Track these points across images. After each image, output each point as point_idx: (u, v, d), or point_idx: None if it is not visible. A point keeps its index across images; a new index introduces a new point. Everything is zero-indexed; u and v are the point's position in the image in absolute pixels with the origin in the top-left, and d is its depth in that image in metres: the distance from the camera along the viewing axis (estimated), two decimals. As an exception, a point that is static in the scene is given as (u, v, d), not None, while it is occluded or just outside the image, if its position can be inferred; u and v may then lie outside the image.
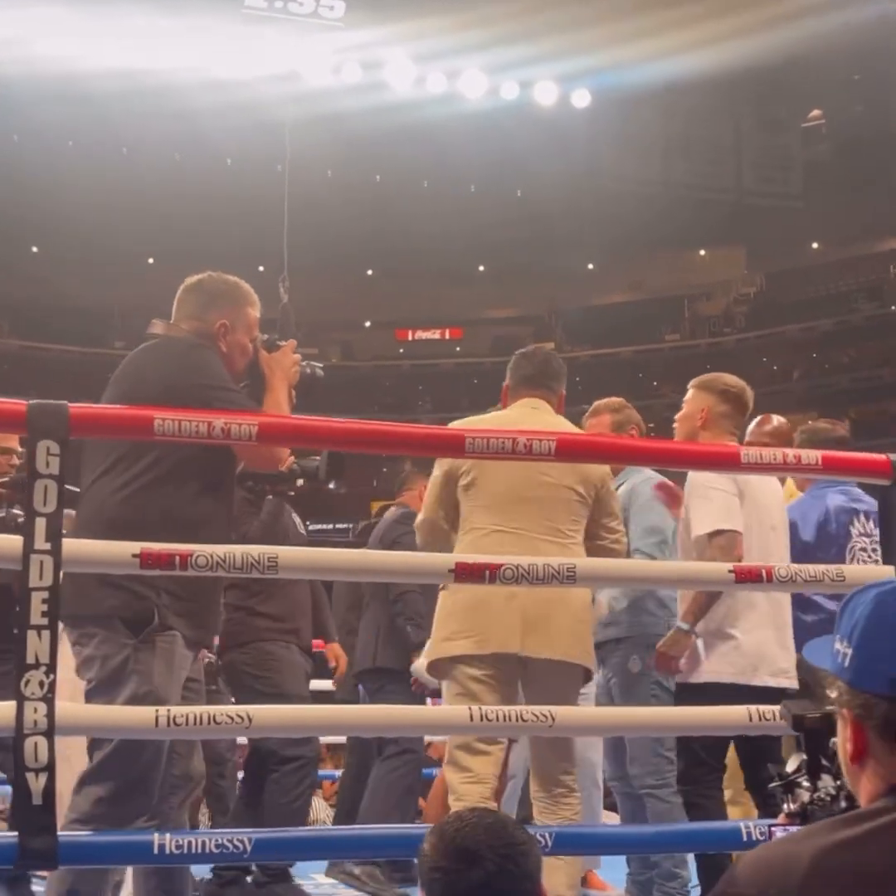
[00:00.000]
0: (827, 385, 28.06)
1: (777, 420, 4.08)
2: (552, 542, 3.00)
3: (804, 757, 1.58)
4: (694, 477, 3.33)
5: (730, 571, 2.70)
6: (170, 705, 2.47)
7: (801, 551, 3.36)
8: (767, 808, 3.14)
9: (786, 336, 29.00)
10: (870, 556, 3.38)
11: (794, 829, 1.56)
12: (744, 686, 3.12)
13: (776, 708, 2.52)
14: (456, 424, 3.04)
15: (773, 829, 1.73)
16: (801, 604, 3.41)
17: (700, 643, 3.26)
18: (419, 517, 3.23)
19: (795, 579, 2.70)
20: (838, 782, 1.50)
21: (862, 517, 3.48)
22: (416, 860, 1.69)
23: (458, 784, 2.92)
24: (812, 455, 2.73)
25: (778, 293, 30.23)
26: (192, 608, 2.60)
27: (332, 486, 3.62)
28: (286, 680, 3.95)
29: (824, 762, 1.54)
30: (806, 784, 1.56)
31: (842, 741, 1.22)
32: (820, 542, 3.40)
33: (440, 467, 3.14)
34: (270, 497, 4.00)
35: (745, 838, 2.50)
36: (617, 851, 2.86)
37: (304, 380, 2.88)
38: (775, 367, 29.45)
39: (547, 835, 2.42)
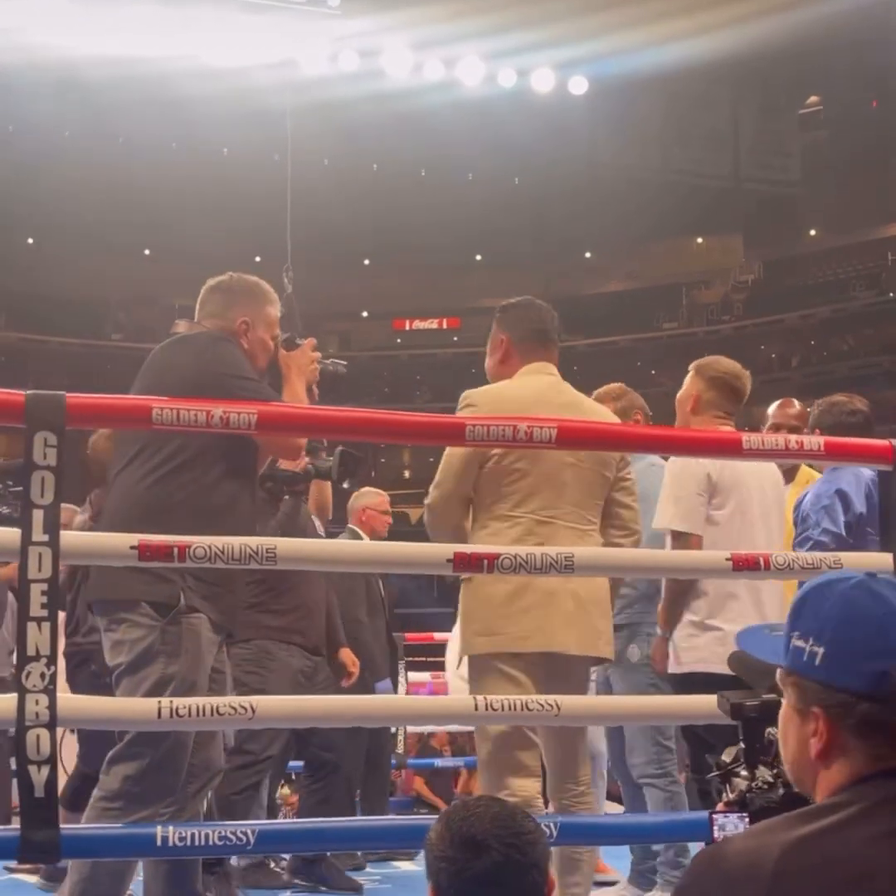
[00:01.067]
0: (825, 373, 28.03)
1: (800, 404, 4.09)
2: (582, 531, 2.86)
3: (741, 746, 1.58)
4: (670, 468, 3.34)
5: (727, 559, 2.70)
6: (198, 688, 2.52)
7: (854, 523, 3.33)
8: (703, 797, 3.21)
9: (784, 324, 28.97)
10: None
11: (732, 817, 1.58)
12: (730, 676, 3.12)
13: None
14: (475, 394, 2.90)
15: (713, 816, 1.74)
16: None
17: (686, 633, 3.27)
18: (435, 495, 2.90)
19: (793, 567, 2.69)
20: (774, 770, 1.50)
21: None
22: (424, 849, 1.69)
23: (511, 780, 2.76)
24: (814, 441, 2.73)
25: (776, 280, 30.19)
26: (217, 592, 2.63)
27: (345, 485, 3.63)
28: (271, 681, 4.00)
29: (760, 751, 1.55)
30: (744, 773, 1.56)
31: (801, 736, 1.20)
32: (870, 513, 3.32)
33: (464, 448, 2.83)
34: (287, 497, 4.06)
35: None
36: (622, 841, 2.86)
37: (327, 376, 2.95)
38: (773, 355, 29.43)
39: (552, 825, 2.41)
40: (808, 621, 1.21)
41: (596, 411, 3.04)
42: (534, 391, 2.93)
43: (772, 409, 4.08)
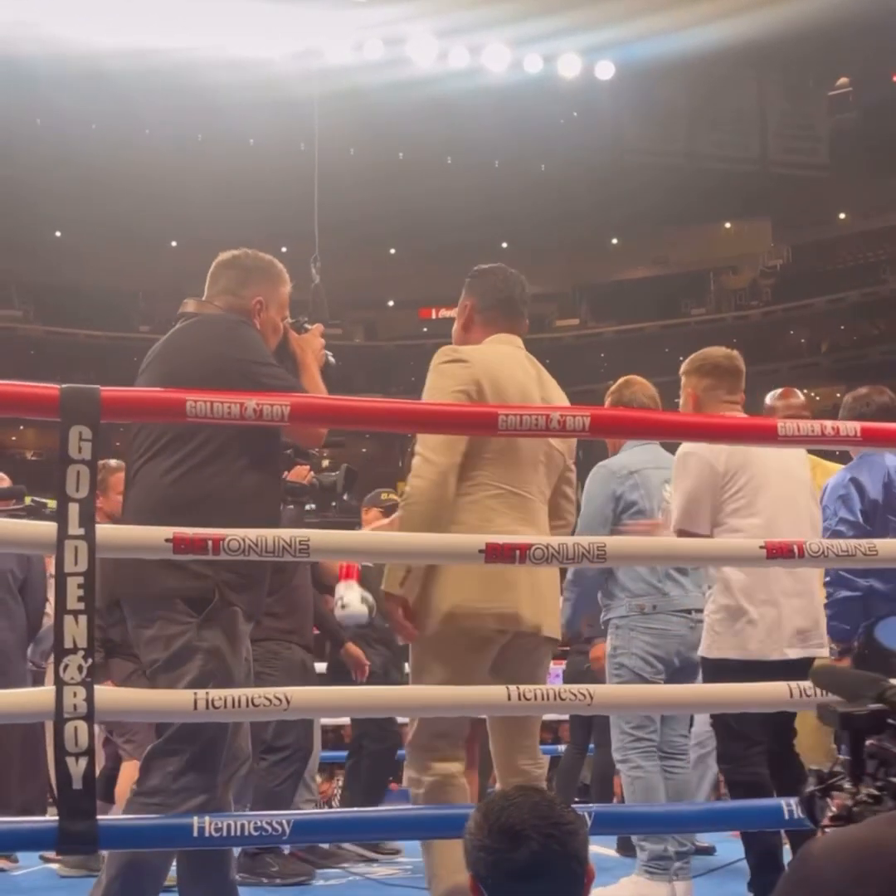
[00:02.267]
0: (855, 358, 27.79)
1: (801, 395, 4.07)
2: (543, 507, 2.85)
3: (845, 757, 1.54)
4: (675, 463, 3.33)
5: (761, 547, 2.68)
6: (235, 682, 2.52)
7: (871, 510, 3.33)
8: (731, 788, 3.21)
9: (813, 309, 28.73)
10: None
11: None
12: (760, 662, 3.10)
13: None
14: (465, 351, 2.81)
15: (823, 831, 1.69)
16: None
17: (720, 618, 3.25)
18: (429, 469, 2.71)
19: (827, 554, 2.67)
20: (879, 783, 1.46)
21: None
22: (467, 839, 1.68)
23: (432, 763, 2.73)
24: (851, 427, 2.70)
25: (805, 265, 29.93)
26: (248, 583, 2.61)
27: (345, 497, 3.77)
28: (282, 680, 4.06)
29: (863, 763, 1.52)
30: (847, 787, 1.52)
31: None
32: (888, 500, 3.35)
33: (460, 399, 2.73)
34: (290, 507, 4.12)
35: (786, 816, 2.48)
36: (657, 830, 2.85)
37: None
38: (803, 341, 29.19)
39: (587, 814, 2.41)
40: None
41: (556, 389, 2.94)
42: (513, 360, 2.86)
43: (774, 400, 4.02)
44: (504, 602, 2.72)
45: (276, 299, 2.83)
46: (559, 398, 2.92)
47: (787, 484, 3.29)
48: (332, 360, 2.95)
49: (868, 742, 1.44)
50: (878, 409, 3.56)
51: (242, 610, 2.60)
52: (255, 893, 3.89)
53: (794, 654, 3.17)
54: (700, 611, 3.48)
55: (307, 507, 4.04)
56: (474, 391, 2.74)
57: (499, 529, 2.71)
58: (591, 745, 5.26)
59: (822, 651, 3.23)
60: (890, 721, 1.41)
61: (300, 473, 4.06)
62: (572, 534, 3.00)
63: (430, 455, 2.71)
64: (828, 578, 3.38)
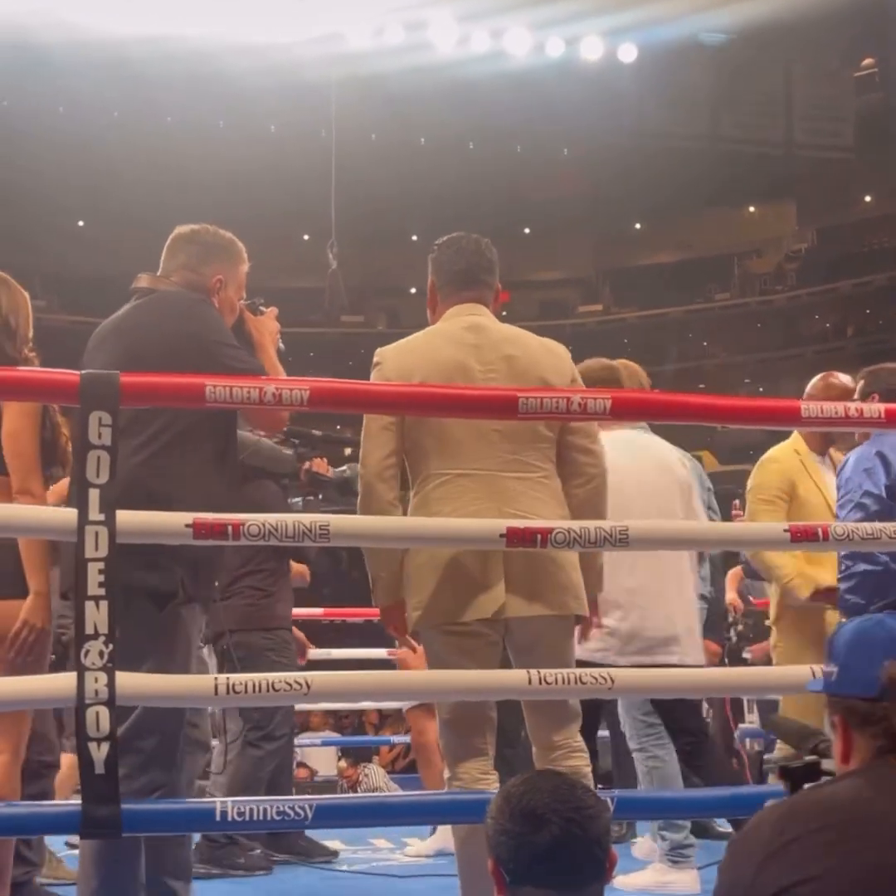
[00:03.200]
0: (882, 342, 27.50)
1: (843, 378, 3.96)
2: (520, 479, 2.66)
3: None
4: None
5: (785, 531, 2.67)
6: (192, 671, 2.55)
7: (893, 484, 3.31)
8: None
9: (839, 292, 28.48)
10: None
11: None
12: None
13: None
14: (383, 351, 2.77)
15: None
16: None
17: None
18: (367, 469, 2.69)
19: (852, 537, 2.66)
20: None
21: None
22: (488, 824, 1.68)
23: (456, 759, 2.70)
24: (875, 408, 2.68)
25: (830, 249, 29.65)
26: (205, 573, 2.64)
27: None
28: (295, 665, 4.16)
29: None
30: None
31: (836, 749, 1.53)
32: None
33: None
34: (308, 497, 4.17)
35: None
36: (680, 815, 2.84)
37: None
38: (828, 325, 28.96)
39: (609, 799, 2.40)
40: (833, 652, 1.56)
41: (547, 348, 2.79)
42: (444, 338, 2.77)
43: (812, 388, 3.95)
44: (479, 592, 2.64)
45: (235, 278, 2.81)
46: (544, 356, 2.77)
47: (652, 499, 3.43)
48: (282, 346, 2.95)
49: (805, 786, 1.66)
50: None
51: (201, 598, 2.63)
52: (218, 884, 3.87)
53: (624, 662, 3.27)
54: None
55: (319, 496, 4.09)
56: None
57: (452, 515, 2.63)
58: (607, 733, 5.10)
59: (667, 659, 3.33)
60: (823, 769, 1.68)
61: (322, 466, 4.12)
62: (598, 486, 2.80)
63: (363, 455, 2.69)
64: (843, 552, 3.34)
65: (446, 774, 2.71)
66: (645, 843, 3.92)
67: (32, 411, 2.68)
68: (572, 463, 2.75)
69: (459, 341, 2.76)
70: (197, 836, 3.79)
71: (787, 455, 3.83)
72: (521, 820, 1.61)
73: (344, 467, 4.10)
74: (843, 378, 3.95)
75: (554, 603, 2.67)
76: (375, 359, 2.80)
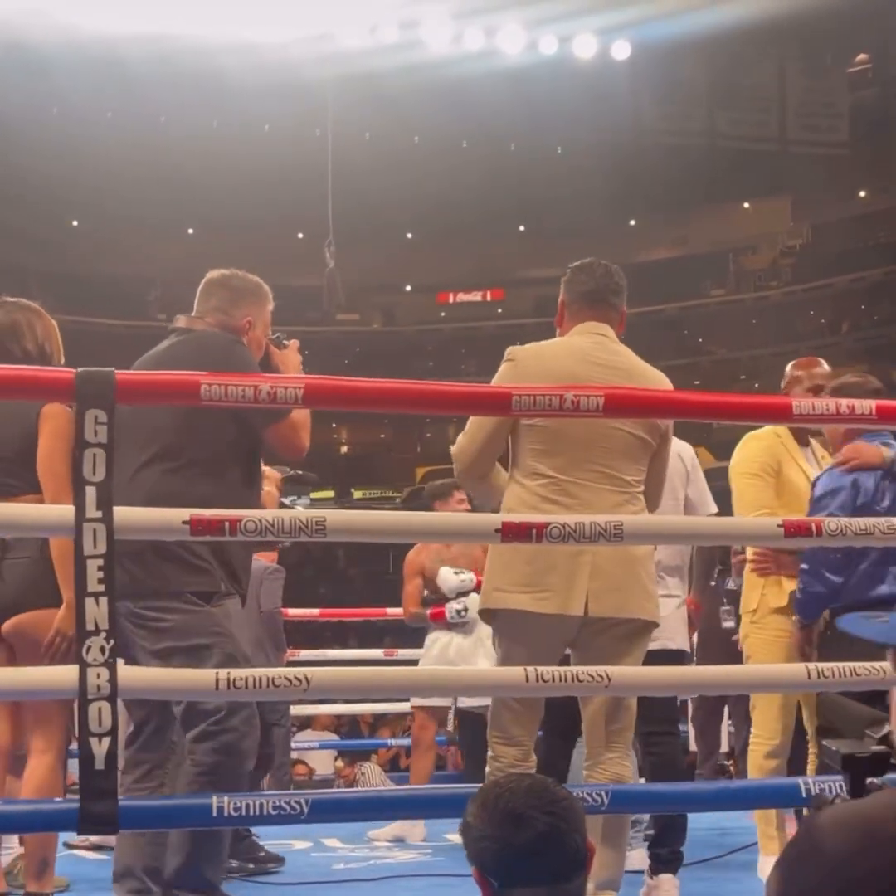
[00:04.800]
0: (877, 337, 27.57)
1: (825, 364, 3.96)
2: (617, 492, 2.84)
3: (844, 796, 1.53)
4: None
5: (779, 526, 2.67)
6: (247, 661, 2.71)
7: (864, 503, 3.38)
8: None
9: (834, 288, 28.50)
10: None
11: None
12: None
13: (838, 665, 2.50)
14: (517, 350, 2.95)
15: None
16: None
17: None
18: (461, 443, 2.93)
19: (846, 532, 2.67)
20: None
21: None
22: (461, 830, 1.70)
23: (495, 745, 2.86)
24: (866, 405, 2.68)
25: (825, 244, 29.68)
26: (237, 570, 2.83)
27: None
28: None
29: None
30: None
31: None
32: (877, 489, 3.39)
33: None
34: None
35: (804, 795, 2.48)
36: (673, 809, 2.86)
37: None
38: (823, 321, 28.97)
39: (603, 793, 2.41)
40: None
41: (647, 376, 2.97)
42: (576, 349, 2.94)
43: (795, 368, 3.91)
44: (542, 586, 2.76)
45: (262, 319, 3.05)
46: (647, 383, 2.92)
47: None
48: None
49: (870, 780, 1.46)
50: (873, 392, 3.53)
51: (239, 594, 2.83)
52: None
53: None
54: None
55: None
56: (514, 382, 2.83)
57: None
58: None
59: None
60: (893, 763, 1.43)
61: (272, 498, 4.30)
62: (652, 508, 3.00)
63: (468, 431, 2.90)
64: (805, 566, 3.45)
65: (489, 753, 2.87)
66: (637, 854, 3.87)
67: (65, 433, 2.80)
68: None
69: (581, 355, 2.93)
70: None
71: (769, 435, 3.81)
72: (503, 822, 1.62)
73: (290, 498, 4.31)
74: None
75: (638, 606, 2.83)
76: (508, 355, 2.97)
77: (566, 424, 2.80)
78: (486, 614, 2.90)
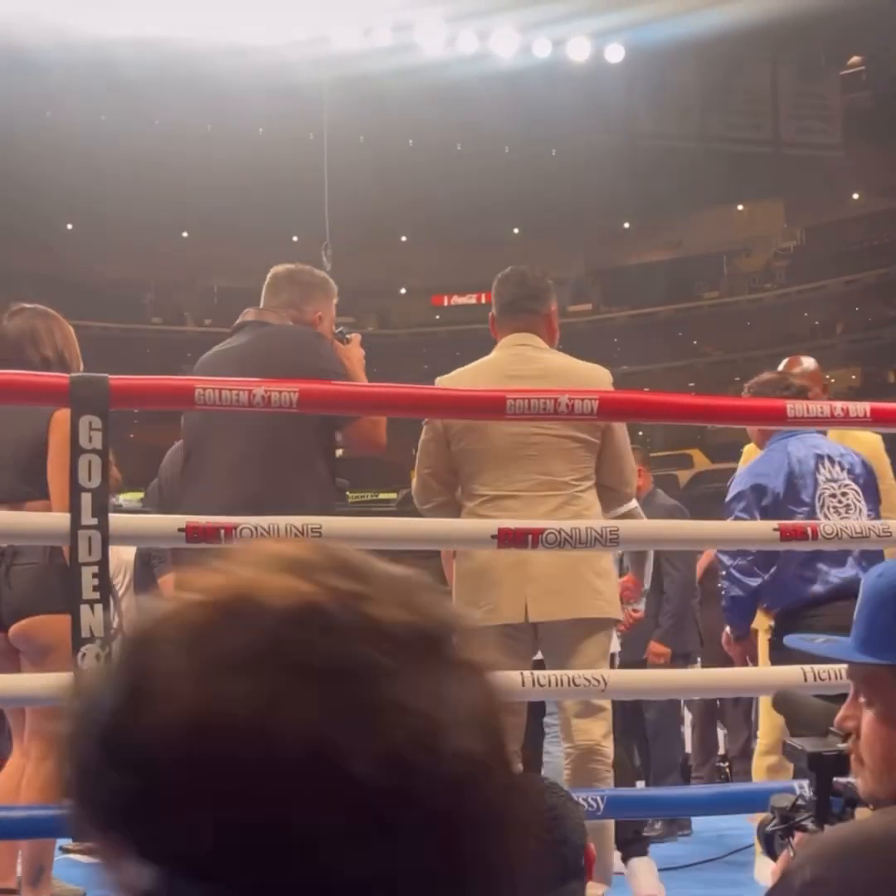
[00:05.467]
0: (871, 339, 27.63)
1: (806, 362, 3.93)
2: (554, 496, 2.85)
3: (808, 795, 1.49)
4: None
5: (775, 530, 2.67)
6: None
7: (772, 504, 3.34)
8: None
9: (828, 290, 28.56)
10: (839, 502, 3.37)
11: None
12: None
13: (834, 667, 2.50)
14: (442, 380, 2.99)
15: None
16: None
17: None
18: (414, 483, 3.04)
19: (841, 536, 2.67)
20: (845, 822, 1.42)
21: (826, 462, 3.44)
22: None
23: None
24: (860, 407, 2.69)
25: (819, 246, 29.74)
26: None
27: None
28: None
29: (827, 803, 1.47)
30: (811, 827, 1.46)
31: (890, 741, 1.18)
32: (789, 492, 3.37)
33: (430, 431, 2.97)
34: None
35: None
36: (671, 814, 2.85)
37: None
38: (817, 323, 29.03)
39: (598, 798, 2.41)
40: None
41: (572, 377, 2.92)
42: (493, 366, 3.00)
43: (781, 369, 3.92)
44: (487, 600, 2.80)
45: (329, 314, 3.08)
46: (572, 384, 2.88)
47: None
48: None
49: (836, 780, 1.42)
50: (791, 389, 3.54)
51: None
52: None
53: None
54: None
55: None
56: (436, 425, 2.94)
57: None
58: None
59: None
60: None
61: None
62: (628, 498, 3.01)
63: (417, 472, 2.97)
64: (723, 572, 3.47)
65: None
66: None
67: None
68: (605, 482, 2.95)
69: (498, 371, 2.97)
70: None
71: (751, 451, 3.83)
72: None
73: None
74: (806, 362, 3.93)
75: (581, 607, 2.82)
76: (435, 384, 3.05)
77: (491, 440, 2.87)
78: None
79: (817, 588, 3.29)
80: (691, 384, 25.51)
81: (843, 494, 3.36)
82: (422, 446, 2.98)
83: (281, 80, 19.80)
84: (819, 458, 3.41)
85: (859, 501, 3.32)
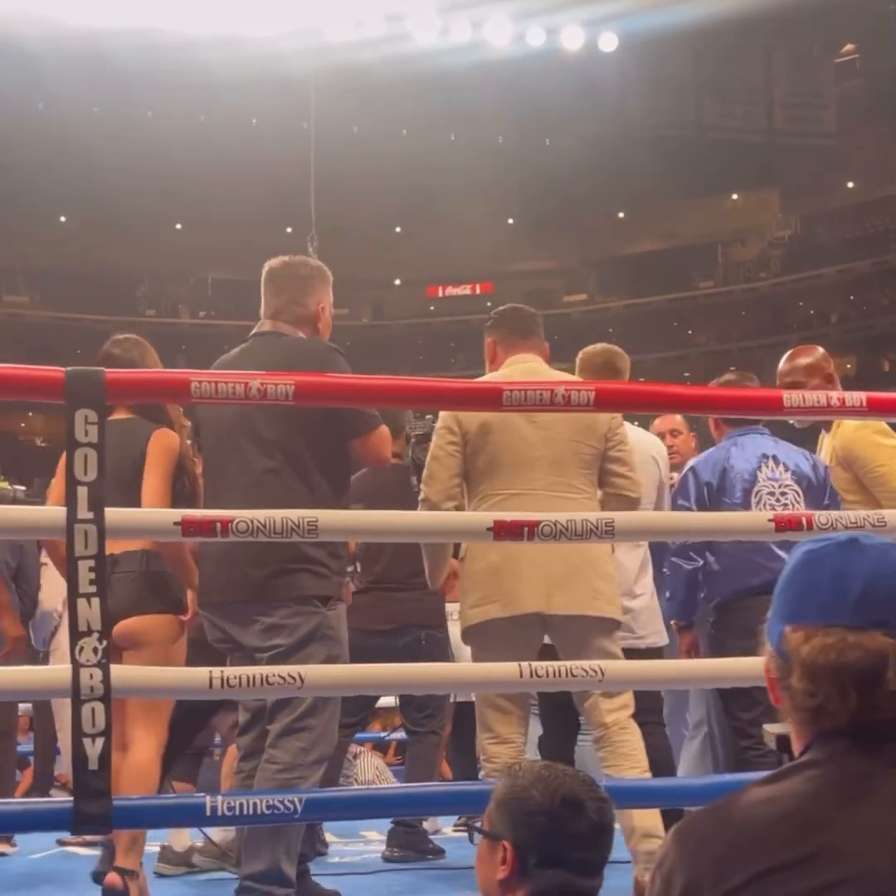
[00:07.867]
0: (865, 328, 27.67)
1: (812, 354, 3.89)
2: (567, 499, 2.96)
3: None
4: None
5: (770, 521, 2.67)
6: (346, 661, 2.82)
7: (707, 494, 3.50)
8: None
9: (822, 279, 28.58)
10: (777, 500, 3.49)
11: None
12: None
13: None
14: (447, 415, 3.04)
15: None
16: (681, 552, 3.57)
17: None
18: (432, 488, 3.02)
19: (836, 526, 2.67)
20: None
21: (770, 462, 3.55)
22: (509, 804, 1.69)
23: (488, 746, 2.95)
24: (856, 397, 2.68)
25: (813, 235, 29.76)
26: (341, 580, 2.97)
27: None
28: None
29: None
30: None
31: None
32: (722, 485, 3.52)
33: (444, 436, 3.01)
34: None
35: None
36: (668, 804, 2.86)
37: None
38: (812, 311, 29.05)
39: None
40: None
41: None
42: (518, 374, 3.04)
43: (783, 361, 3.93)
44: (502, 593, 2.91)
45: (329, 301, 3.11)
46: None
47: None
48: None
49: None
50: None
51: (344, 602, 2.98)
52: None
53: None
54: None
55: None
56: (453, 424, 3.01)
57: None
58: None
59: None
60: None
61: None
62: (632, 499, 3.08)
63: (434, 478, 3.00)
64: (665, 569, 3.56)
65: (482, 757, 2.96)
66: None
67: (167, 473, 3.04)
68: (612, 485, 3.07)
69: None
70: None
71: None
72: (563, 805, 1.65)
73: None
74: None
75: (587, 604, 2.93)
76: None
77: (507, 446, 2.96)
78: (464, 637, 3.04)
79: (753, 581, 3.39)
80: (686, 374, 25.52)
81: (783, 494, 3.50)
82: (441, 449, 3.02)
83: (274, 72, 19.74)
84: (764, 457, 3.55)
85: (798, 503, 3.46)
